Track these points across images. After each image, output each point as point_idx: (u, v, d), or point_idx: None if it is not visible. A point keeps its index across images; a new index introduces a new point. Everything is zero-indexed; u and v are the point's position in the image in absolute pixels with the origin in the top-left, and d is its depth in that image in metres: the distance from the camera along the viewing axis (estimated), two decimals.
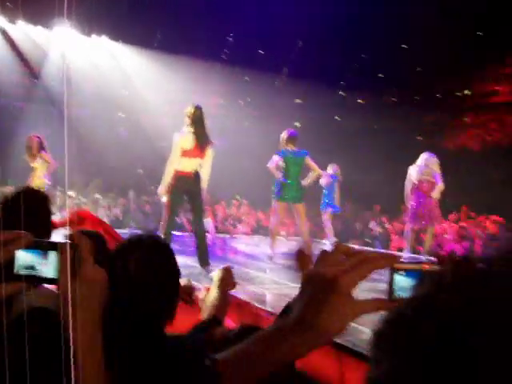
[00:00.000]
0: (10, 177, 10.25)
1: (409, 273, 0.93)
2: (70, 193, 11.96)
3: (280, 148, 8.56)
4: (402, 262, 0.95)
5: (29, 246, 1.00)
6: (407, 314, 0.61)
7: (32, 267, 1.00)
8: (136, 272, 1.70)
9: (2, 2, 12.95)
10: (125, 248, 1.78)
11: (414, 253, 9.39)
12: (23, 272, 1.00)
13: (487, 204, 12.64)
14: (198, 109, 7.13)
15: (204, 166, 7.24)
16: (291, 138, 8.54)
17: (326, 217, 11.12)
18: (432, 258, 8.51)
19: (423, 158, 8.97)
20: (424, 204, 8.83)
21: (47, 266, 1.00)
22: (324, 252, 0.99)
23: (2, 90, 13.17)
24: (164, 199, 7.27)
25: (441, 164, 9.02)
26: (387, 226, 12.84)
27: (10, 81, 13.83)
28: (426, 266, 0.93)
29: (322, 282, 0.92)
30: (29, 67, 14.61)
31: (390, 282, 0.93)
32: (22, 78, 14.45)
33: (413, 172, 8.98)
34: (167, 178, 7.12)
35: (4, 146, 11.87)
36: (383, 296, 0.94)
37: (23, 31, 14.44)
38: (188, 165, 7.09)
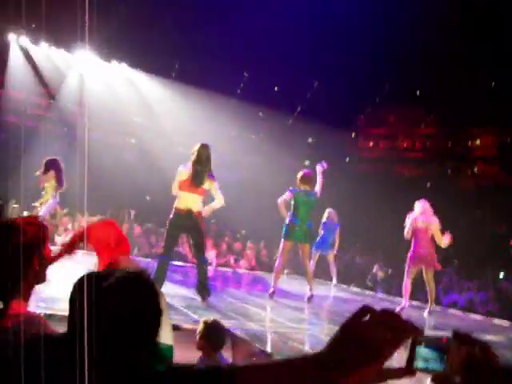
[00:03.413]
0: (21, 195, 10.33)
1: (428, 345, 1.00)
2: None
3: (295, 186, 8.62)
4: (423, 335, 1.02)
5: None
6: None
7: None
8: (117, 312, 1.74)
9: (27, 23, 13.20)
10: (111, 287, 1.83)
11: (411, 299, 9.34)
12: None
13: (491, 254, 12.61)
14: (203, 147, 7.25)
15: (216, 197, 7.32)
16: (305, 178, 8.59)
17: (315, 259, 11.14)
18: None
19: (419, 205, 8.99)
20: (420, 251, 8.83)
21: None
22: (366, 310, 1.05)
23: (18, 109, 13.34)
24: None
25: (449, 215, 9.05)
26: (390, 271, 12.77)
27: (27, 100, 14.01)
28: (444, 341, 1.00)
29: (366, 346, 0.98)
30: (47, 88, 14.79)
31: (411, 352, 1.00)
32: (40, 98, 14.62)
33: (411, 220, 8.96)
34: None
35: (16, 165, 11.95)
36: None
37: (45, 53, 14.66)
38: (184, 201, 7.18)
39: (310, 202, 8.57)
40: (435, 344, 1.01)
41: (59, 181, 9.15)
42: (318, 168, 8.96)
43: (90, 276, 2.17)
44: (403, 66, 13.46)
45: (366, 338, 0.99)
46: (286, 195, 8.53)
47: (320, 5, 12.64)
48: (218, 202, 7.33)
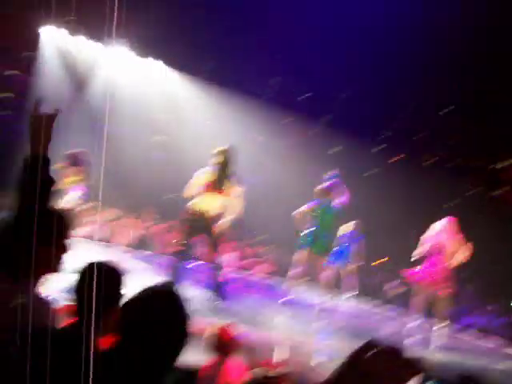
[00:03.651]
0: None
1: (438, 382, 1.00)
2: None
3: (318, 197, 8.61)
4: (425, 373, 1.02)
5: None
6: None
7: None
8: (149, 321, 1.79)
9: (60, 15, 13.31)
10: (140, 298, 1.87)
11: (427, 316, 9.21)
12: None
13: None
14: (225, 150, 7.22)
15: (230, 205, 7.28)
16: (324, 190, 8.58)
17: (333, 270, 11.03)
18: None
19: (442, 222, 8.80)
20: (438, 269, 8.66)
21: None
22: (372, 344, 1.07)
23: (48, 100, 13.46)
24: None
25: (470, 236, 8.81)
26: (404, 286, 12.65)
27: (56, 91, 14.12)
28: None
29: (369, 380, 0.99)
30: (77, 80, 14.89)
31: None
32: (69, 89, 14.72)
33: (428, 237, 8.82)
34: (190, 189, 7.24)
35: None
36: None
37: (76, 44, 14.77)
38: (202, 202, 7.16)
39: (330, 214, 8.57)
40: (441, 382, 1.01)
41: (88, 174, 9.24)
42: (332, 181, 8.91)
43: (98, 265, 2.21)
44: (435, 82, 13.37)
45: (370, 371, 1.00)
46: (306, 206, 8.55)
47: (357, 18, 12.59)
48: (233, 211, 7.30)
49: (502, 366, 7.48)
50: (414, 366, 1.01)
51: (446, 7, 11.32)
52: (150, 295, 1.87)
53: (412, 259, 8.85)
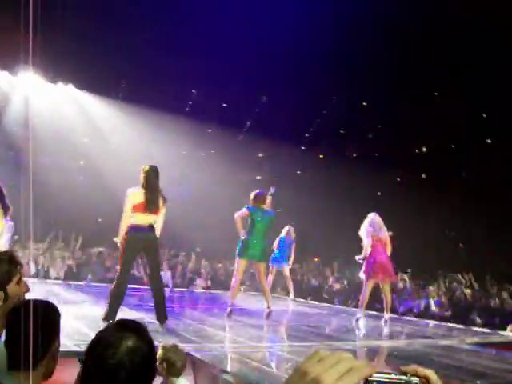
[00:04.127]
0: None
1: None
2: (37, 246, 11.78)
3: (253, 204, 8.62)
4: (376, 374, 1.02)
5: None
6: None
7: None
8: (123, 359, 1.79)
9: None
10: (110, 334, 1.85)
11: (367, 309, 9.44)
12: None
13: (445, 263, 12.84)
14: (152, 168, 7.13)
15: (156, 222, 7.17)
16: (257, 198, 8.59)
17: (273, 273, 11.51)
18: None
19: (373, 216, 9.09)
20: (379, 260, 8.92)
21: None
22: (319, 353, 1.05)
23: None
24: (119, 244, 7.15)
25: (401, 223, 9.18)
26: (346, 283, 12.88)
27: None
28: (395, 379, 1.00)
29: None
30: None
31: None
32: None
33: (365, 230, 9.06)
34: (122, 232, 7.08)
35: None
36: None
37: None
38: (141, 219, 7.02)
39: (266, 221, 8.57)
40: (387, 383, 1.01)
41: (4, 205, 8.87)
42: (270, 192, 9.02)
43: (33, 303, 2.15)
44: (351, 77, 13.66)
45: (319, 380, 1.00)
46: (243, 212, 8.52)
47: (267, 18, 12.73)
48: (157, 228, 7.22)
49: (443, 342, 7.74)
50: (359, 372, 1.02)
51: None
52: (120, 333, 1.84)
53: (361, 256, 9.06)
